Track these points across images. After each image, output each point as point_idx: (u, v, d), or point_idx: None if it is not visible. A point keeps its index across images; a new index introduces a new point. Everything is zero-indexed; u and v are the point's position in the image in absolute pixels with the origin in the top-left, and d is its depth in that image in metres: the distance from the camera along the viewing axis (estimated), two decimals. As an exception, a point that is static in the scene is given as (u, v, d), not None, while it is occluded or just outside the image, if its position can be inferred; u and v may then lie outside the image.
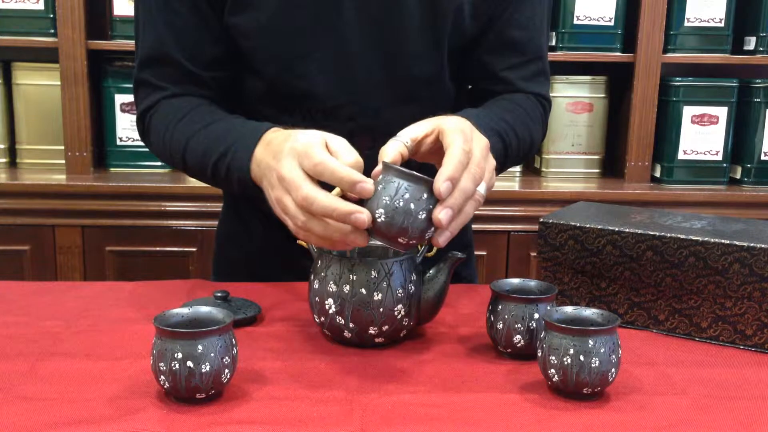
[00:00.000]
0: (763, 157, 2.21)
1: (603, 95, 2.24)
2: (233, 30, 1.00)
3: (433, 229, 0.76)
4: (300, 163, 0.77)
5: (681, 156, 2.20)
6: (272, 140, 0.85)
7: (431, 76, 1.04)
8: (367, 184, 0.74)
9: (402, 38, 1.00)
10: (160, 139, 1.02)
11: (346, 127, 0.92)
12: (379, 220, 0.74)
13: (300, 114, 0.93)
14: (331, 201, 0.74)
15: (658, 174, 2.23)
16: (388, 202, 0.74)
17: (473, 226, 1.28)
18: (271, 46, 1.00)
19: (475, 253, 1.33)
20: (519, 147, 1.02)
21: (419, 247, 0.87)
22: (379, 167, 0.77)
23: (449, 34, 1.01)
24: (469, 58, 1.07)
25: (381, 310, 0.83)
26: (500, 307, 0.84)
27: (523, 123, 1.03)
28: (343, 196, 0.76)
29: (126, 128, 2.15)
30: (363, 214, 0.74)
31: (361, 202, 0.76)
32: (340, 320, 0.84)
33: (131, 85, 1.05)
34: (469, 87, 1.14)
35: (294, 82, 1.02)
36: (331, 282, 0.84)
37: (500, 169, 0.97)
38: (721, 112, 2.18)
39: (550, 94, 1.13)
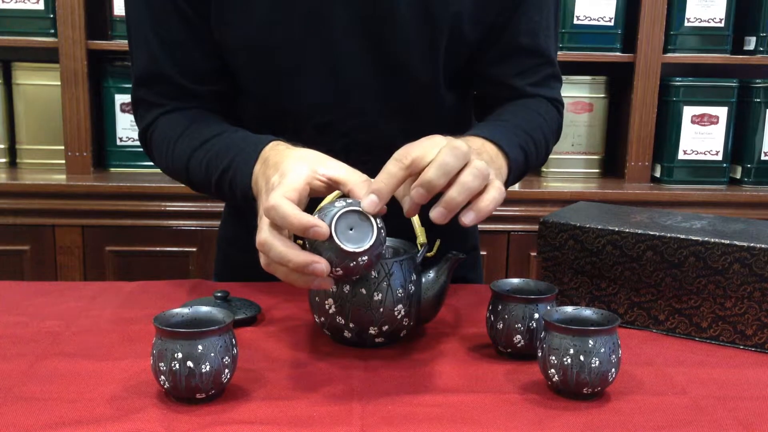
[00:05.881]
0: (763, 157, 2.22)
1: (603, 95, 2.24)
2: (221, 46, 0.98)
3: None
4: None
5: (681, 156, 2.21)
6: (268, 158, 0.83)
7: (427, 86, 1.01)
8: (321, 228, 0.70)
9: (396, 48, 0.98)
10: (162, 156, 1.02)
11: (341, 143, 0.89)
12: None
13: (292, 131, 0.90)
14: (286, 252, 0.70)
15: (658, 174, 2.23)
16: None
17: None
18: (257, 63, 0.98)
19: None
20: (537, 153, 1.00)
21: (419, 246, 0.87)
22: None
23: (447, 40, 0.98)
24: (476, 69, 1.05)
25: (381, 310, 0.83)
26: (500, 307, 0.84)
27: (539, 128, 1.01)
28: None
29: (126, 128, 2.16)
30: (321, 264, 0.70)
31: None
32: (340, 320, 0.84)
33: (131, 85, 1.05)
34: (475, 93, 1.12)
35: (284, 100, 1.00)
36: (331, 282, 0.84)
37: (519, 177, 0.96)
38: (721, 112, 2.18)
39: None
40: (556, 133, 1.09)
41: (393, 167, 0.72)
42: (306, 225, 0.70)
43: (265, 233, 0.72)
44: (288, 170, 0.76)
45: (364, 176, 0.76)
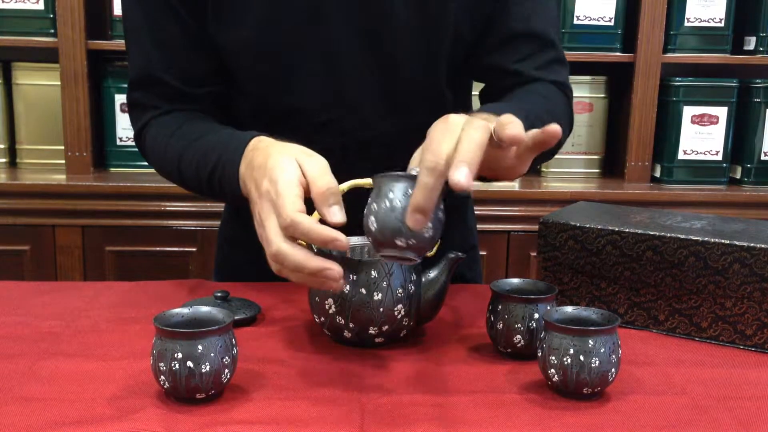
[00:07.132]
0: (763, 157, 2.22)
1: (603, 95, 2.24)
2: (218, 47, 0.98)
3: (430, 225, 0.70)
4: (276, 215, 0.75)
5: (681, 156, 2.20)
6: (252, 160, 0.83)
7: (426, 84, 1.01)
8: (341, 241, 0.71)
9: (394, 46, 0.98)
10: (157, 157, 1.02)
11: (338, 142, 0.88)
12: (373, 229, 0.71)
13: (290, 130, 0.90)
14: (302, 260, 0.72)
15: (658, 174, 2.23)
16: (375, 208, 0.71)
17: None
18: (255, 63, 0.98)
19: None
20: None
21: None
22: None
23: (444, 38, 0.98)
24: (474, 62, 1.04)
25: (381, 310, 0.83)
26: (500, 307, 0.84)
27: (545, 109, 0.96)
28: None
29: (126, 128, 2.16)
30: (333, 271, 0.72)
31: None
32: (340, 320, 0.84)
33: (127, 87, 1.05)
34: (481, 86, 1.11)
35: (282, 100, 1.00)
36: (331, 282, 0.84)
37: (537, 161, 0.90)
38: (721, 112, 2.18)
39: None
40: (568, 121, 1.05)
41: (429, 179, 0.66)
42: (327, 239, 0.71)
43: (276, 245, 0.73)
44: (277, 175, 0.76)
45: (333, 185, 0.75)
